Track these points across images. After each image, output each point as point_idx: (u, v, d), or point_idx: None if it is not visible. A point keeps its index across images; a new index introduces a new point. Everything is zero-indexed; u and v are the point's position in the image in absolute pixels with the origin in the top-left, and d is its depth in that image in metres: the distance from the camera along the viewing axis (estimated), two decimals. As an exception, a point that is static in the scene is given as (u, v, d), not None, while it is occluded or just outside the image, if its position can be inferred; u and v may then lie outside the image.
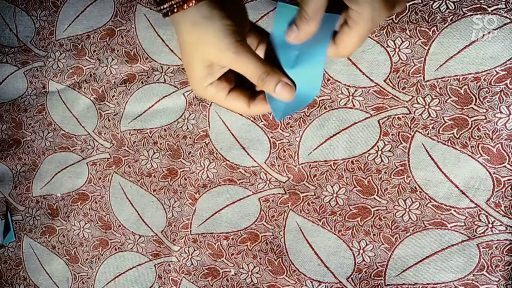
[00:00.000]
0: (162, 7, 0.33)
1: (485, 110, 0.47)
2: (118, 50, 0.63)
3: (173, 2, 0.32)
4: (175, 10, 0.32)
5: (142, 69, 0.63)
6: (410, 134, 0.50)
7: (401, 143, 0.50)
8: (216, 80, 0.35)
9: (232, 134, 0.58)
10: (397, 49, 0.50)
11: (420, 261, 0.50)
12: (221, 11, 0.32)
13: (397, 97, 0.50)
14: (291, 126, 0.55)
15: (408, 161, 0.50)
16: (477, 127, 0.47)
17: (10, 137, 0.71)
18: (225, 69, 0.35)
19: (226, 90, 0.35)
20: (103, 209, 0.65)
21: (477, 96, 0.47)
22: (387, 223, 0.51)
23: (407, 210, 0.50)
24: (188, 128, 0.60)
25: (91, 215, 0.66)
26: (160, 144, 0.62)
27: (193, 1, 0.32)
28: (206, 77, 0.34)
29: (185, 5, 0.32)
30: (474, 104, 0.47)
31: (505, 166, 0.47)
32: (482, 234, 0.48)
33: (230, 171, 0.58)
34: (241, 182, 0.58)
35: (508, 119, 0.46)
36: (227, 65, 0.33)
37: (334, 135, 0.53)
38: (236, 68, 0.33)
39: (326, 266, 0.54)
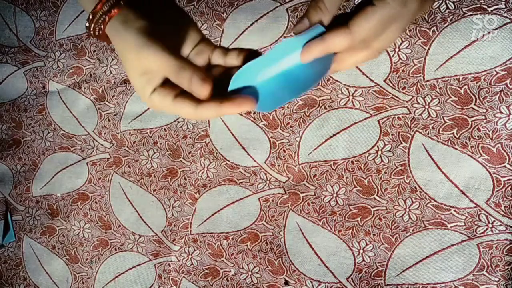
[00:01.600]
0: (92, 30, 0.33)
1: (485, 110, 0.47)
2: (118, 50, 0.63)
3: (101, 12, 0.32)
4: (102, 26, 0.33)
5: (142, 69, 0.63)
6: (410, 134, 0.50)
7: (401, 143, 0.50)
8: (158, 87, 0.34)
9: (232, 134, 0.58)
10: (397, 49, 0.50)
11: (420, 261, 0.50)
12: (136, 14, 0.32)
13: (397, 97, 0.50)
14: (291, 126, 0.55)
15: (408, 161, 0.50)
16: (477, 127, 0.47)
17: (10, 137, 0.71)
18: (162, 74, 0.34)
19: (171, 95, 0.34)
20: (103, 209, 0.65)
21: (477, 96, 0.47)
22: (387, 223, 0.51)
23: (407, 210, 0.50)
24: (188, 128, 0.60)
25: (91, 215, 0.66)
26: (160, 144, 0.62)
27: (115, 10, 0.32)
28: (146, 87, 0.34)
29: (112, 12, 0.32)
30: (474, 104, 0.47)
31: (505, 166, 0.47)
32: (482, 234, 0.48)
33: (230, 171, 0.58)
34: (241, 182, 0.58)
35: (508, 119, 0.46)
36: (148, 65, 0.33)
37: (334, 135, 0.53)
38: (154, 66, 0.32)
39: (326, 266, 0.54)
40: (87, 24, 0.33)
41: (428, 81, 0.49)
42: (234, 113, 0.36)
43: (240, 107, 0.34)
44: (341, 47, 0.32)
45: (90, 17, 0.33)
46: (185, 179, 0.60)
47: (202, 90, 0.32)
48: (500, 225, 0.47)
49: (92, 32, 0.34)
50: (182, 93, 0.34)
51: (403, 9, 0.30)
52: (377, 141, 0.51)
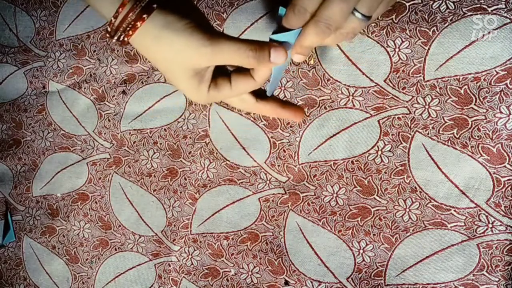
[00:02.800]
0: (116, 37, 0.30)
1: (485, 110, 0.47)
2: (118, 50, 0.63)
3: (124, 25, 0.29)
4: (130, 32, 0.30)
5: (142, 69, 0.63)
6: (410, 134, 0.50)
7: (401, 143, 0.50)
8: (211, 82, 0.33)
9: (232, 134, 0.58)
10: (397, 49, 0.50)
11: (420, 261, 0.50)
12: (175, 14, 0.30)
13: (397, 97, 0.50)
14: (291, 126, 0.55)
15: (408, 161, 0.50)
16: (477, 127, 0.47)
17: (10, 137, 0.71)
18: (212, 68, 0.33)
19: (227, 82, 0.34)
20: (103, 209, 0.65)
21: (477, 96, 0.47)
22: (387, 223, 0.51)
23: (407, 210, 0.50)
24: (188, 128, 0.60)
25: (91, 215, 0.66)
26: (160, 144, 0.62)
27: (144, 16, 0.29)
28: (200, 87, 0.32)
29: (138, 23, 0.29)
30: (474, 104, 0.47)
31: (505, 166, 0.47)
32: (482, 234, 0.48)
33: (230, 171, 0.58)
34: (241, 182, 0.58)
35: (508, 119, 0.46)
36: (208, 63, 0.31)
37: (334, 135, 0.53)
38: (218, 61, 0.31)
39: (326, 266, 0.54)
40: (109, 29, 0.30)
41: (428, 81, 0.49)
42: (289, 119, 0.37)
43: (297, 117, 0.36)
44: (316, 41, 0.33)
45: (113, 24, 0.30)
46: (185, 179, 0.60)
47: (284, 57, 0.33)
48: (500, 225, 0.47)
49: (114, 38, 0.31)
50: (229, 75, 0.33)
51: None
52: (377, 141, 0.51)
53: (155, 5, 0.29)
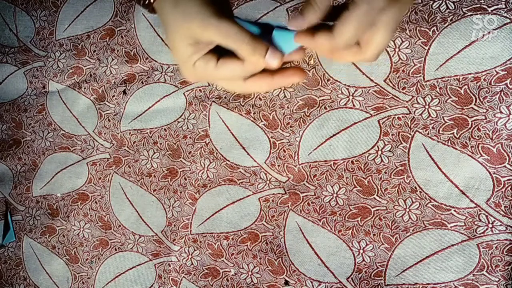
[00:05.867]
0: (142, 0, 0.34)
1: (485, 110, 0.47)
2: (118, 50, 0.63)
3: None
4: None
5: (142, 69, 0.63)
6: (410, 134, 0.50)
7: (401, 143, 0.50)
8: (202, 56, 0.35)
9: (232, 134, 0.58)
10: (397, 49, 0.50)
11: (420, 261, 0.50)
12: None
13: (397, 97, 0.50)
14: (291, 126, 0.55)
15: (408, 161, 0.50)
16: (477, 127, 0.47)
17: (10, 137, 0.71)
18: (211, 46, 0.34)
19: (215, 59, 0.35)
20: (103, 209, 0.65)
21: (477, 96, 0.47)
22: (387, 223, 0.51)
23: (407, 210, 0.50)
24: (188, 128, 0.60)
25: (91, 215, 0.66)
26: (160, 144, 0.62)
27: None
28: (192, 56, 0.35)
29: None
30: (474, 104, 0.47)
31: (505, 166, 0.47)
32: (482, 234, 0.48)
33: (230, 171, 0.58)
34: (241, 182, 0.58)
35: (508, 119, 0.46)
36: (212, 35, 0.33)
37: (334, 135, 0.53)
38: (220, 35, 0.33)
39: (326, 266, 0.54)
40: None
41: (428, 81, 0.49)
42: (285, 85, 0.37)
43: (292, 78, 0.35)
44: (324, 49, 0.34)
45: None
46: (185, 179, 0.60)
47: (277, 61, 0.34)
48: (500, 225, 0.47)
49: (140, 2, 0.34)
50: (222, 57, 0.35)
51: (373, 8, 0.31)
52: (377, 141, 0.51)
53: None
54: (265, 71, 0.36)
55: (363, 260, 0.52)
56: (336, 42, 0.33)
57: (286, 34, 0.35)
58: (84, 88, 0.66)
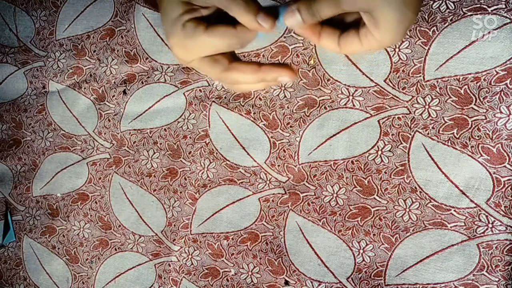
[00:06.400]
0: None
1: (485, 110, 0.47)
2: (118, 50, 0.63)
3: None
4: None
5: (142, 69, 0.63)
6: (410, 134, 0.50)
7: (401, 143, 0.50)
8: (193, 18, 0.34)
9: (232, 134, 0.58)
10: (397, 49, 0.50)
11: (420, 261, 0.50)
12: None
13: (397, 97, 0.50)
14: (291, 126, 0.55)
15: (408, 161, 0.50)
16: (477, 127, 0.47)
17: (10, 137, 0.71)
18: (202, 12, 0.33)
19: (205, 24, 0.34)
20: (103, 209, 0.65)
21: (477, 96, 0.47)
22: (387, 223, 0.51)
23: (407, 210, 0.50)
24: (188, 128, 0.60)
25: (91, 215, 0.66)
26: (160, 144, 0.62)
27: None
28: (183, 15, 0.33)
29: None
30: (474, 104, 0.47)
31: (505, 166, 0.47)
32: (482, 234, 0.48)
33: (230, 171, 0.58)
34: (241, 182, 0.58)
35: (508, 119, 0.46)
36: None
37: (334, 135, 0.53)
38: None
39: (326, 266, 0.54)
40: None
41: (428, 81, 0.49)
42: (272, 81, 0.36)
43: (279, 74, 0.34)
44: (328, 50, 0.34)
45: None
46: (185, 179, 0.60)
47: (267, 22, 0.33)
48: (500, 225, 0.47)
49: None
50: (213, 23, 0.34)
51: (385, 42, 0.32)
52: (377, 141, 0.51)
53: None
54: (254, 62, 0.35)
55: (363, 260, 0.52)
56: (341, 51, 0.33)
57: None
58: (84, 88, 0.66)
